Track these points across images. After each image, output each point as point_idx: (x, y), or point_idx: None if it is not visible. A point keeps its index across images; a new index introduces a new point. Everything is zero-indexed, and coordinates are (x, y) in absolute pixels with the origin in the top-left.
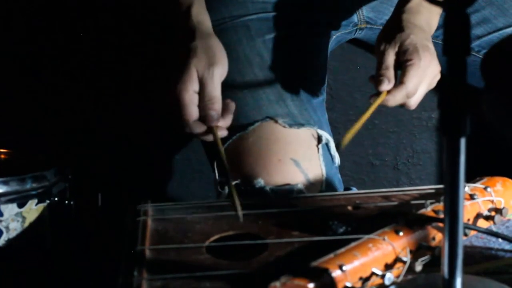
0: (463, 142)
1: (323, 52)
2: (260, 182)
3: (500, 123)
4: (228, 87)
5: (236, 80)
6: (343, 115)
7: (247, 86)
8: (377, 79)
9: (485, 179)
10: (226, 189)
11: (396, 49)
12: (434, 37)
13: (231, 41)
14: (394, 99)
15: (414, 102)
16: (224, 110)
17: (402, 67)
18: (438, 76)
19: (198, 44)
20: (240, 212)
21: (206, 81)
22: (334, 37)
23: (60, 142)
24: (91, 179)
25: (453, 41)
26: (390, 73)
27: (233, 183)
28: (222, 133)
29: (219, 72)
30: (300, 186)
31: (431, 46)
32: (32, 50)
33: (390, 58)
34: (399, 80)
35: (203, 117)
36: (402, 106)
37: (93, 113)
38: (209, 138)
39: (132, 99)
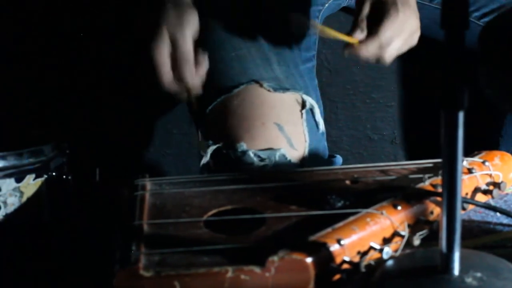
0: (461, 116)
1: (312, 18)
2: (243, 146)
3: (497, 96)
4: (214, 50)
5: (223, 44)
6: (342, 89)
7: (234, 50)
8: (351, 28)
9: (483, 153)
10: (208, 153)
11: (375, 0)
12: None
13: (219, 4)
14: (367, 49)
15: (388, 55)
16: (197, 65)
17: (379, 19)
18: (418, 33)
19: (168, 5)
20: None
21: (178, 41)
22: (326, 5)
23: (58, 116)
24: (89, 153)
25: (451, 14)
26: (364, 24)
27: (215, 146)
28: (197, 90)
29: (190, 31)
30: (282, 151)
31: (412, 1)
32: (28, 30)
33: (366, 9)
34: (374, 31)
35: (178, 76)
36: (378, 62)
37: (91, 87)
38: (184, 96)
39: (130, 73)
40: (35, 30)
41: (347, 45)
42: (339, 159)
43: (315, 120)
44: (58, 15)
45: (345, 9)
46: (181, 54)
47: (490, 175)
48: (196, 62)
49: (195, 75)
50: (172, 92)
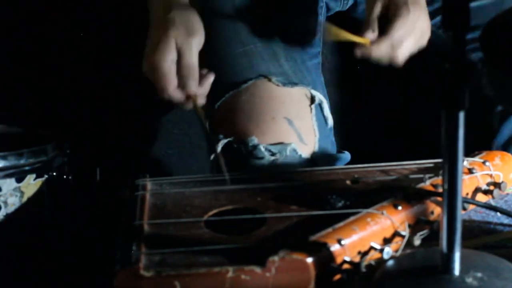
0: (461, 116)
1: (315, 15)
2: (254, 140)
3: (498, 96)
4: (221, 46)
5: (230, 39)
6: (342, 89)
7: (241, 46)
8: (362, 29)
9: (484, 153)
10: (219, 148)
11: (386, 1)
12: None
13: (225, 0)
14: (379, 48)
15: (401, 55)
16: (202, 79)
17: (390, 19)
18: (428, 33)
19: (176, 15)
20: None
21: (184, 51)
22: (325, 2)
23: (59, 116)
24: (89, 153)
25: (452, 15)
26: (376, 24)
27: (226, 140)
28: (201, 100)
29: (197, 43)
30: (293, 145)
31: (422, 1)
32: (29, 29)
33: (377, 9)
34: (385, 31)
35: (182, 86)
36: (391, 63)
37: (91, 87)
38: (189, 105)
39: (130, 73)
40: (35, 30)
41: (359, 45)
42: (347, 154)
43: (323, 115)
44: (58, 15)
45: (344, 14)
46: (187, 66)
47: (491, 175)
48: (201, 75)
49: (200, 88)
50: (173, 100)
